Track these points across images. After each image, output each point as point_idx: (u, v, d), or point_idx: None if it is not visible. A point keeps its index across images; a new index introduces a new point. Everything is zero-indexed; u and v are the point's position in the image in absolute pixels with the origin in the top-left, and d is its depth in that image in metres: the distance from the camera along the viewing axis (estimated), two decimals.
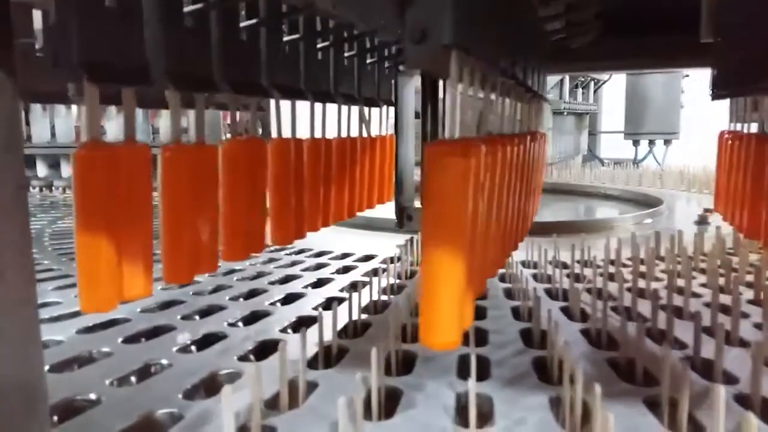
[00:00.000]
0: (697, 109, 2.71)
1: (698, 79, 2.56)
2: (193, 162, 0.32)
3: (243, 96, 0.38)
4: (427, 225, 0.25)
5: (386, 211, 1.24)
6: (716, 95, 0.59)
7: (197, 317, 0.56)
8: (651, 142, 2.71)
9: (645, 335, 0.45)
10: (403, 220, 0.98)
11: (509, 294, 0.62)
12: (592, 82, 2.53)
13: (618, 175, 1.90)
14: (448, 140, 0.26)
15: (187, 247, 0.32)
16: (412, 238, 0.86)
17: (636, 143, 2.75)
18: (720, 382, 0.39)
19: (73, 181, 0.25)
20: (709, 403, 0.30)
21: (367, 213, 1.24)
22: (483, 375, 0.41)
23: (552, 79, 2.11)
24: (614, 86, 2.72)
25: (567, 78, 2.18)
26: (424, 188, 0.25)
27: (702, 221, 1.11)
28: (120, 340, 0.49)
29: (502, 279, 0.68)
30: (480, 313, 0.54)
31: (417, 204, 1.00)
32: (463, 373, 0.41)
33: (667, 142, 2.66)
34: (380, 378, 0.36)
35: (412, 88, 0.90)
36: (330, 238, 1.01)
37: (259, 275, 0.72)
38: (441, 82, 0.95)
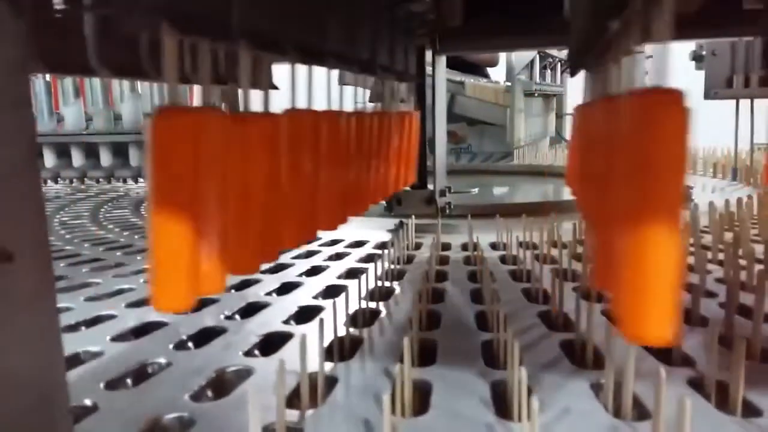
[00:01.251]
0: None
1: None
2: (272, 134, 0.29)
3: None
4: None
5: None
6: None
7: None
8: None
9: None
10: (393, 204, 0.95)
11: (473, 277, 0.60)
12: (559, 63, 2.54)
13: None
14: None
15: (258, 232, 0.28)
16: (401, 222, 0.84)
17: None
18: (678, 364, 0.38)
19: (151, 155, 0.22)
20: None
21: None
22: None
23: (521, 61, 2.09)
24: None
25: (537, 59, 2.17)
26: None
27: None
28: (109, 338, 0.45)
29: (467, 262, 0.67)
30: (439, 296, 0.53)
31: (406, 187, 0.97)
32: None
33: None
34: (409, 370, 0.33)
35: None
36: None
37: None
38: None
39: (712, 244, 0.66)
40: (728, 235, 0.73)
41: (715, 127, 1.48)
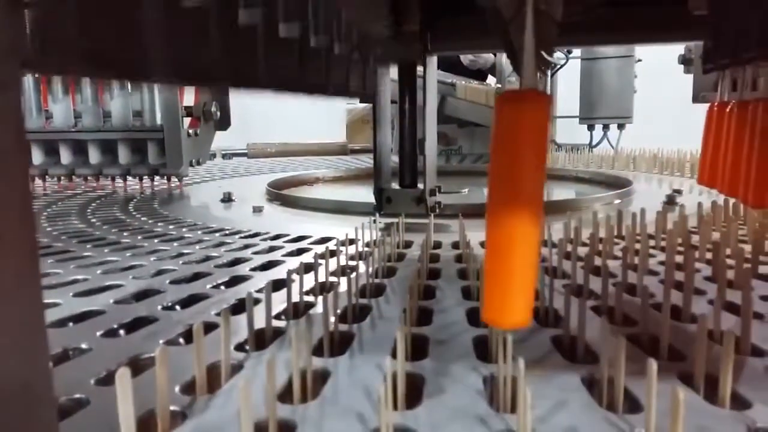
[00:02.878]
0: (650, 94, 2.78)
1: (650, 64, 2.62)
2: None
3: None
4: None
5: (358, 194, 1.21)
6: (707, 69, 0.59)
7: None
8: (605, 127, 2.75)
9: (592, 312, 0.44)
10: (383, 202, 0.95)
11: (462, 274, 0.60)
12: (550, 66, 2.55)
13: (577, 159, 1.97)
14: None
15: None
16: (374, 219, 0.84)
17: (591, 128, 2.79)
18: (665, 358, 0.38)
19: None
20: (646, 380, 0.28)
21: (340, 196, 1.20)
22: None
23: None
24: (569, 71, 2.75)
25: None
26: None
27: (671, 201, 1.12)
28: (99, 334, 0.44)
29: (458, 260, 0.67)
30: (430, 293, 0.53)
31: (395, 186, 0.97)
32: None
33: (620, 126, 2.71)
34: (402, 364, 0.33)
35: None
36: (299, 223, 0.98)
37: (238, 261, 0.68)
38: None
39: (699, 244, 0.67)
40: (716, 235, 0.73)
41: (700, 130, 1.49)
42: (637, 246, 0.65)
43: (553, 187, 1.57)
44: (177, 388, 0.34)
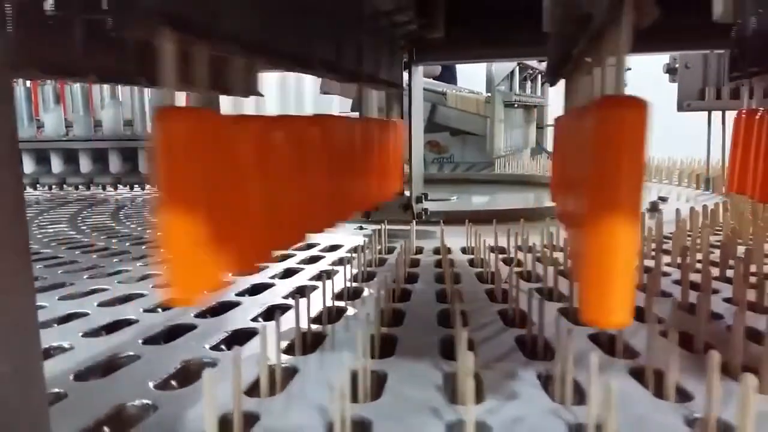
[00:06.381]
0: None
1: (637, 72, 2.64)
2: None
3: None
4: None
5: None
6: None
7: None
8: None
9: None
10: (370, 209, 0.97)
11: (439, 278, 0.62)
12: (540, 75, 2.57)
13: None
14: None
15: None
16: (361, 226, 0.85)
17: None
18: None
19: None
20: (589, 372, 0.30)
21: None
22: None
23: (501, 72, 2.13)
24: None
25: (516, 70, 2.21)
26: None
27: (653, 208, 1.14)
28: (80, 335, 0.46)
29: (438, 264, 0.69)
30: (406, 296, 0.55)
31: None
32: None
33: None
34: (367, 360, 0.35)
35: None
36: None
37: None
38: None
39: (672, 249, 0.69)
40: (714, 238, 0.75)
41: (688, 138, 1.52)
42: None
43: (538, 194, 1.59)
44: (151, 384, 0.36)
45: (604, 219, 0.24)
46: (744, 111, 0.62)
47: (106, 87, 1.24)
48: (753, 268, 0.60)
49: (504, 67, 2.10)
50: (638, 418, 0.31)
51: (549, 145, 2.96)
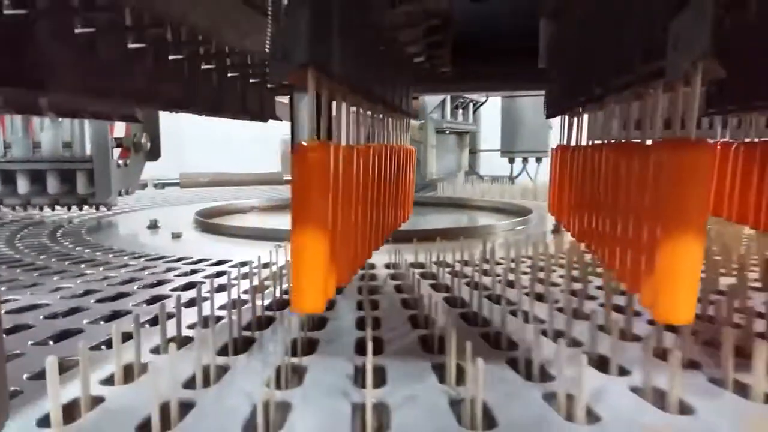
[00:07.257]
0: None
1: None
2: None
3: None
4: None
5: (286, 222, 1.28)
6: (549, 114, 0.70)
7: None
8: (525, 160, 2.95)
9: (510, 315, 0.54)
10: None
11: (399, 289, 0.69)
12: (471, 104, 2.71)
13: (495, 190, 2.09)
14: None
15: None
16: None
17: (511, 161, 2.98)
18: (568, 345, 0.48)
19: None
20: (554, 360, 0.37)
21: (268, 224, 1.27)
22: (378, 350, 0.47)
23: (433, 101, 2.24)
24: (491, 108, 2.94)
25: (448, 99, 2.33)
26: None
27: (556, 229, 1.24)
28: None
29: (394, 277, 0.76)
30: (375, 305, 0.62)
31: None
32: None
33: (538, 160, 2.91)
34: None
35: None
36: (225, 249, 1.04)
37: (159, 283, 0.74)
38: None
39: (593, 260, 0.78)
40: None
41: None
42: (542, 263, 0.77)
43: (472, 215, 1.69)
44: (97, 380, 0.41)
45: (682, 239, 0.28)
46: (719, 143, 0.69)
47: None
48: None
49: (436, 96, 2.22)
50: (508, 394, 0.38)
51: (482, 169, 3.10)
